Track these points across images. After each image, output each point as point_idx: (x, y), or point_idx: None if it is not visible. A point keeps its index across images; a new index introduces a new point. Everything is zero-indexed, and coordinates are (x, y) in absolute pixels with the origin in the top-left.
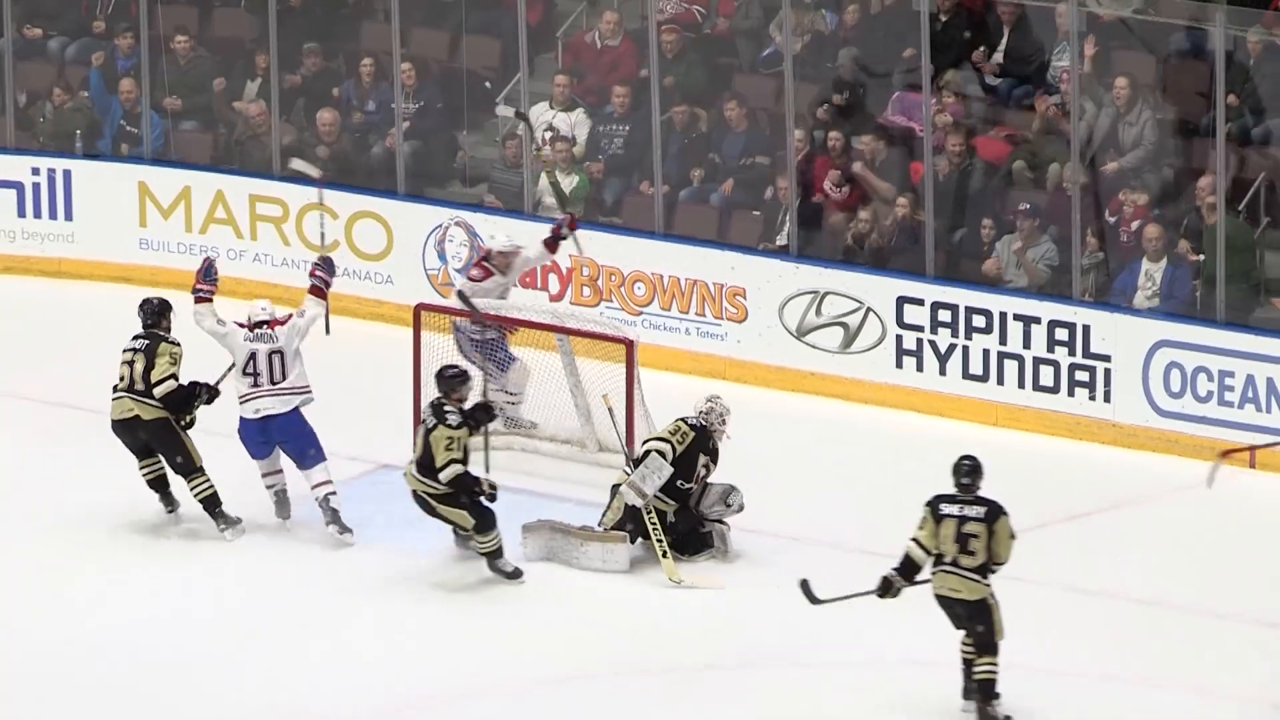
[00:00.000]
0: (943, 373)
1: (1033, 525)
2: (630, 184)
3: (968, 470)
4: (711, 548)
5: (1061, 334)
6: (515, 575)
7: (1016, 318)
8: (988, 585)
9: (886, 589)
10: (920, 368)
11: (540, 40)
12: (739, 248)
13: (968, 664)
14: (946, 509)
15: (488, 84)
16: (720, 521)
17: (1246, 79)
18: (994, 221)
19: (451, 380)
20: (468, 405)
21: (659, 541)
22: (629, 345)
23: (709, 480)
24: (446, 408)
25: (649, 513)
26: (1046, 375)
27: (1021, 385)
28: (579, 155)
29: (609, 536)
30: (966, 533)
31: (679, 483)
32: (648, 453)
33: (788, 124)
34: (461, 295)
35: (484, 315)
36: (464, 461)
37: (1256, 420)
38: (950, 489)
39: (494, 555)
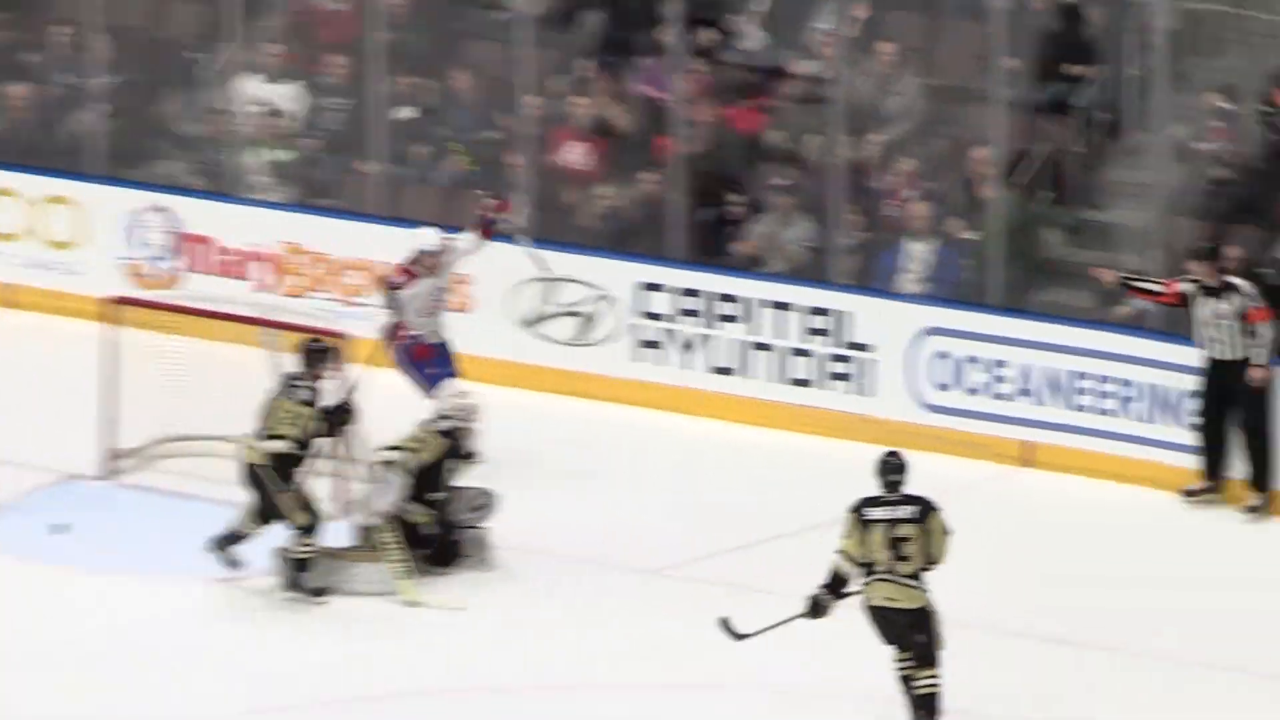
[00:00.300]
0: (687, 366)
1: (788, 532)
2: (348, 162)
3: (894, 467)
4: (468, 557)
5: (819, 322)
6: (319, 593)
7: (769, 304)
8: (926, 591)
9: (816, 609)
10: (662, 360)
11: (252, 6)
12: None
13: (907, 681)
14: (873, 513)
15: (190, 54)
16: (476, 527)
17: (1030, 41)
18: (747, 199)
19: (312, 355)
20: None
21: (397, 562)
22: (343, 340)
23: (458, 485)
24: (301, 383)
25: (387, 531)
26: (802, 367)
27: (775, 379)
28: (291, 130)
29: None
30: (899, 536)
31: (428, 493)
32: (379, 465)
33: (523, 94)
34: (390, 297)
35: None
36: (300, 446)
37: (1033, 415)
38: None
39: (303, 566)
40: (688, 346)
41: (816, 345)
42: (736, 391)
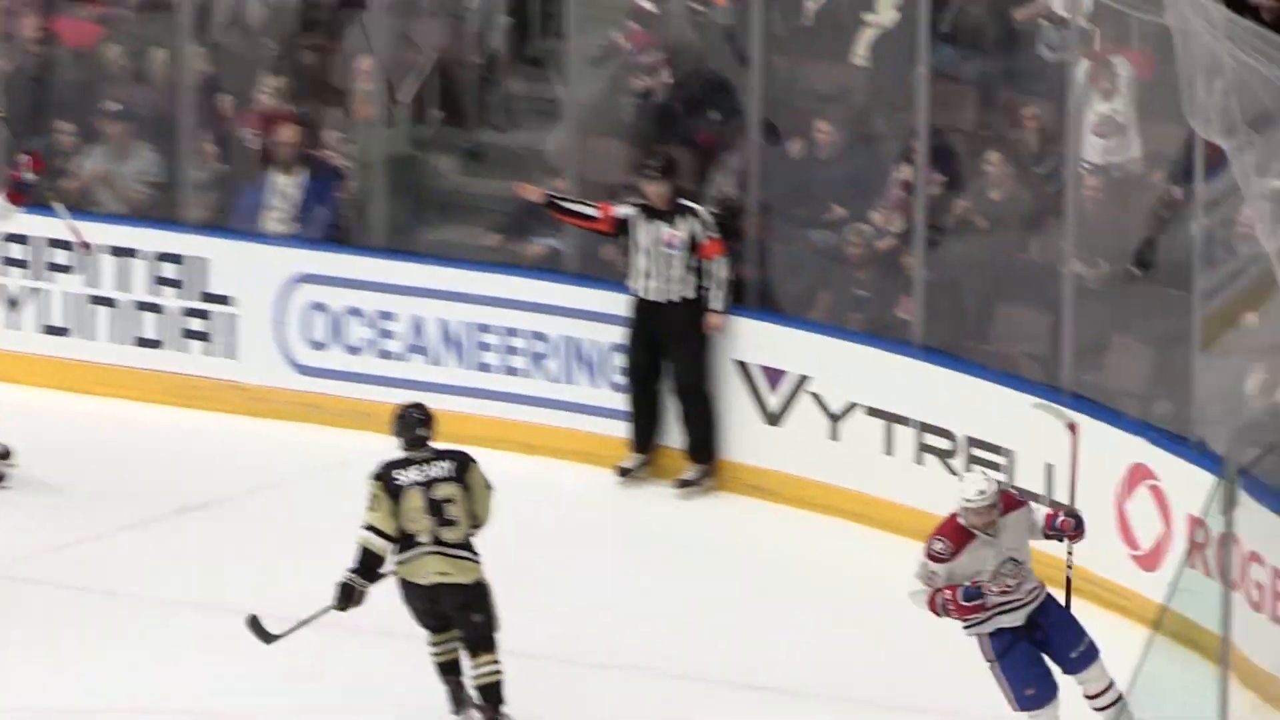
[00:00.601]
0: (13, 326)
1: (139, 521)
2: None
3: (418, 421)
4: None
5: (169, 271)
6: None
7: (109, 251)
8: (480, 562)
9: (348, 597)
10: None
11: None
12: None
13: (451, 667)
14: (404, 477)
15: None
16: None
17: None
18: (78, 127)
19: None
20: None
21: None
22: None
23: None
24: None
25: None
26: (151, 325)
27: (119, 339)
28: None
29: None
30: (440, 499)
31: None
32: None
33: None
34: None
35: None
36: None
37: (428, 376)
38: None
39: None
40: (14, 303)
41: (167, 298)
42: (73, 355)
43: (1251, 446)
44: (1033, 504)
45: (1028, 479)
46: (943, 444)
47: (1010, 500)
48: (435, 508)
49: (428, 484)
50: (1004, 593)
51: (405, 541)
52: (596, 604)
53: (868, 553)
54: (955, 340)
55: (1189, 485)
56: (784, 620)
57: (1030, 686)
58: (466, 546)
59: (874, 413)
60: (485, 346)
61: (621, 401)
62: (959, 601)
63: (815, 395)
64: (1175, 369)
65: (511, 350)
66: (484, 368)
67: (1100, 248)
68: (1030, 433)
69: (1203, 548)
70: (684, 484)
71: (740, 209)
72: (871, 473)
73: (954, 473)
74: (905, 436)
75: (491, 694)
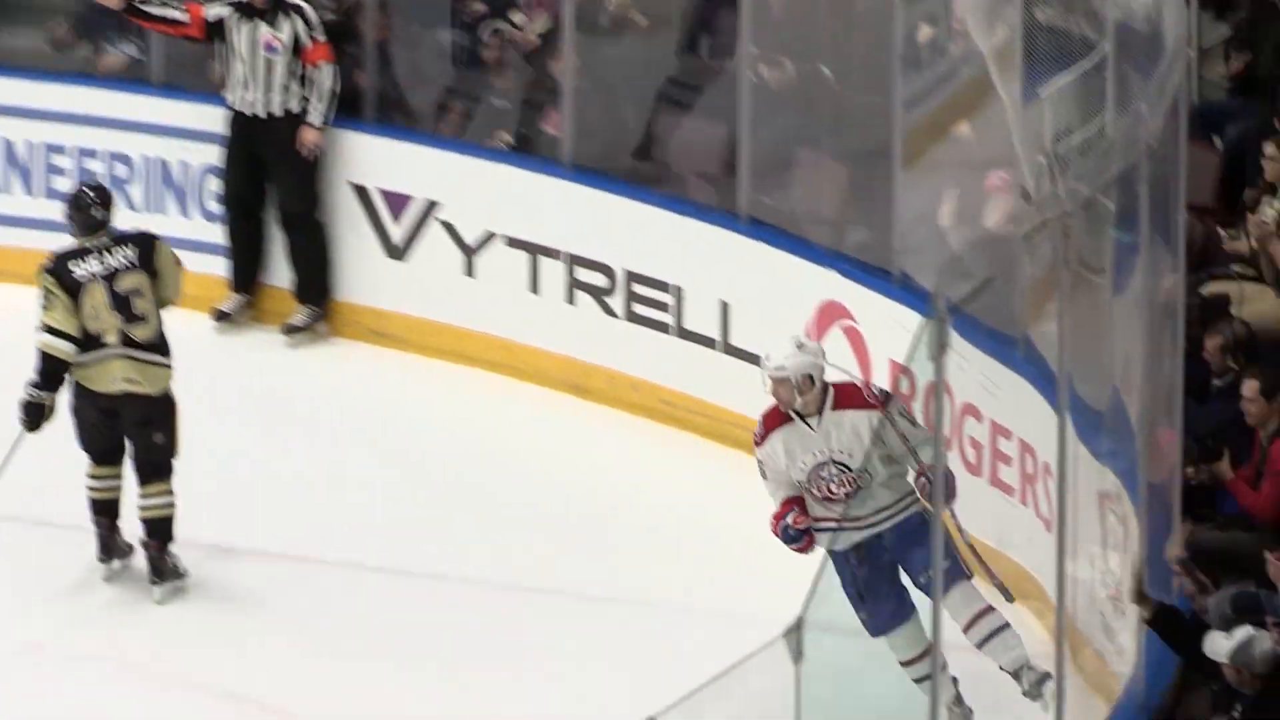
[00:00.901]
0: None
1: None
2: None
3: (95, 200)
4: None
5: None
6: None
7: None
8: (172, 367)
9: (36, 414)
10: None
11: None
12: None
13: (108, 507)
14: (81, 268)
15: None
16: None
17: None
18: None
19: None
20: None
21: None
22: None
23: None
24: None
25: None
26: None
27: None
28: None
29: None
30: (125, 291)
31: None
32: None
33: None
34: None
35: None
36: None
37: (27, 211)
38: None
39: None
40: None
41: None
42: None
43: (964, 279)
44: (898, 415)
45: (698, 320)
46: (598, 280)
47: (852, 395)
48: (121, 303)
49: (110, 276)
50: (826, 500)
51: (87, 342)
52: (202, 476)
53: (513, 408)
54: (612, 159)
55: (890, 326)
56: (418, 491)
57: (863, 610)
58: (158, 348)
59: (516, 244)
60: (57, 170)
61: (218, 234)
62: (778, 533)
63: (446, 224)
64: (873, 189)
65: (88, 174)
66: (55, 195)
67: (784, 46)
68: (701, 267)
69: (909, 400)
70: (292, 330)
71: (354, 6)
72: (514, 315)
73: (612, 313)
74: (554, 272)
75: (161, 529)
